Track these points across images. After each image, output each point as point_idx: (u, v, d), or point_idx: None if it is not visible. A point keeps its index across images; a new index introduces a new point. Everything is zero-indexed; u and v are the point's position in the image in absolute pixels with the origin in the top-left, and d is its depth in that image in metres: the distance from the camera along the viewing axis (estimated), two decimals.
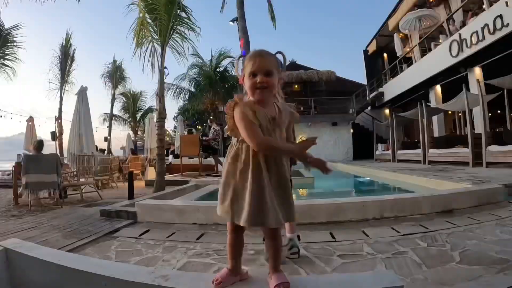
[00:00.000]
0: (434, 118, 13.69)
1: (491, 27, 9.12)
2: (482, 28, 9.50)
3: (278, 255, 1.44)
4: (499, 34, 8.94)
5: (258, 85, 1.35)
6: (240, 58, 1.47)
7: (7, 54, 12.97)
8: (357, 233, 2.99)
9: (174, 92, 19.09)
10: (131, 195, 5.31)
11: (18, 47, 13.09)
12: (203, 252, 2.57)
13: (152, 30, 6.90)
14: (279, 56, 1.43)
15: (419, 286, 1.83)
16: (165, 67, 6.86)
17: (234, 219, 1.35)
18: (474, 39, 9.96)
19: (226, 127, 1.42)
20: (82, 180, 6.71)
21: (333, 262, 2.27)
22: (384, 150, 15.55)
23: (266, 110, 1.38)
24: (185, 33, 7.18)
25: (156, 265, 2.29)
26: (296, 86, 21.20)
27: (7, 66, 13.08)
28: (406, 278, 1.90)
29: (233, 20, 11.08)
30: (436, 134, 13.59)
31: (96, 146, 11.14)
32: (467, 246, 2.44)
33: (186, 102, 20.51)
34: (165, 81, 7.19)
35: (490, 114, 9.01)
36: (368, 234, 2.91)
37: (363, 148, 18.05)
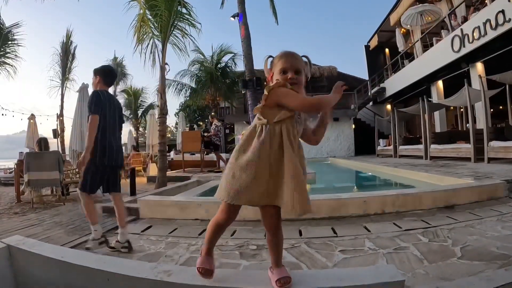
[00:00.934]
0: (436, 114, 13.64)
1: (493, 22, 9.03)
2: (484, 23, 9.40)
3: (279, 251, 1.45)
4: (501, 30, 8.85)
5: (289, 81, 1.42)
6: (269, 58, 1.54)
7: (8, 52, 12.93)
8: (358, 228, 3.01)
9: (176, 88, 19.02)
10: (133, 192, 5.33)
11: (19, 45, 13.05)
12: None
13: (152, 26, 6.88)
14: (305, 59, 1.52)
15: (420, 281, 1.84)
16: (166, 63, 6.85)
17: (272, 202, 1.36)
18: (476, 34, 9.87)
19: (260, 105, 1.44)
20: None
21: (335, 257, 2.29)
22: (385, 146, 15.52)
23: None
24: (185, 29, 7.17)
25: (158, 261, 2.31)
26: None
27: (8, 64, 13.04)
28: (407, 273, 1.91)
29: (233, 16, 11.03)
30: (437, 129, 13.56)
31: None
32: (468, 242, 2.45)
33: (187, 98, 20.45)
34: (166, 77, 7.18)
35: (492, 110, 8.97)
36: (370, 229, 2.92)
37: (364, 144, 18.03)
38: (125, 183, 8.74)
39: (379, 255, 2.29)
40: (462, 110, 13.23)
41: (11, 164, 10.49)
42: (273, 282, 1.35)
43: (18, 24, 12.78)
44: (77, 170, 6.64)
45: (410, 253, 2.29)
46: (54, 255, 1.60)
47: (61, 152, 10.85)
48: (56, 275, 1.58)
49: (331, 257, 2.29)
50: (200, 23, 7.20)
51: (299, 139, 1.48)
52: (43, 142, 5.83)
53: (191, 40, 7.31)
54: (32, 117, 10.60)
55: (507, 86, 9.37)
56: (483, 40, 9.61)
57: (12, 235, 2.86)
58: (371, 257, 2.26)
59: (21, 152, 7.64)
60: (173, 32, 6.97)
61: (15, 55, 13.05)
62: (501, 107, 13.22)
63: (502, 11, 8.65)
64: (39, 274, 1.66)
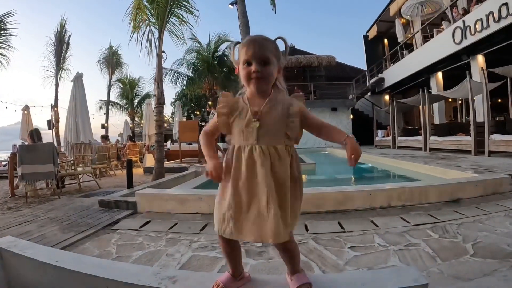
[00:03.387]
0: (435, 105, 13.60)
1: (496, 15, 8.94)
2: (487, 16, 9.31)
3: (293, 261, 1.33)
4: (504, 23, 8.77)
5: (253, 75, 1.19)
6: (236, 45, 1.29)
7: (0, 42, 12.59)
8: (366, 223, 2.92)
9: (173, 77, 18.76)
10: (130, 184, 5.20)
11: (12, 35, 12.70)
12: (208, 244, 2.48)
13: (149, 13, 6.66)
14: (280, 42, 1.25)
15: (436, 280, 1.76)
16: (163, 52, 6.67)
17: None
18: (478, 27, 9.77)
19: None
20: (79, 169, 6.57)
21: (345, 255, 2.20)
22: (384, 136, 15.48)
23: (256, 102, 1.23)
24: (183, 16, 6.96)
25: (159, 260, 2.19)
26: (295, 70, 20.98)
27: (0, 54, 12.71)
28: (422, 272, 1.82)
29: (232, 3, 10.78)
30: (436, 121, 13.52)
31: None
32: (478, 238, 2.38)
33: (184, 87, 20.21)
34: (163, 66, 7.00)
35: (490, 103, 8.92)
36: (378, 224, 2.84)
37: (362, 134, 17.95)
38: (121, 174, 8.66)
39: (390, 252, 2.20)
40: (460, 102, 13.17)
41: (5, 156, 10.29)
42: None
43: (10, 13, 12.43)
44: (72, 161, 6.50)
45: (422, 250, 2.21)
46: (47, 259, 1.48)
47: (56, 143, 10.66)
48: (51, 281, 1.46)
49: (341, 255, 2.19)
50: (198, 10, 7.00)
51: None
52: (35, 134, 5.65)
53: (189, 27, 7.11)
54: (26, 108, 10.38)
55: (508, 79, 9.28)
56: (485, 33, 9.53)
57: (6, 232, 2.73)
58: (382, 255, 2.17)
59: (14, 145, 7.48)
60: (170, 19, 6.77)
61: (8, 45, 12.72)
62: (499, 100, 13.20)
63: (506, 4, 8.57)
64: (33, 279, 1.54)
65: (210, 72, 17.72)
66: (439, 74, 13.56)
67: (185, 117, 17.55)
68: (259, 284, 1.33)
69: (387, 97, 19.16)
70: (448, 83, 11.69)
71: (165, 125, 22.26)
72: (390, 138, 14.12)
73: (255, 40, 1.22)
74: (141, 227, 3.02)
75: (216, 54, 18.41)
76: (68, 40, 15.19)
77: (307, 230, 2.76)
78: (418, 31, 14.82)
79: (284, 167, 1.18)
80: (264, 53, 1.18)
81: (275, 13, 14.64)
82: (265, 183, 1.14)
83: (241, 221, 1.17)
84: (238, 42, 1.28)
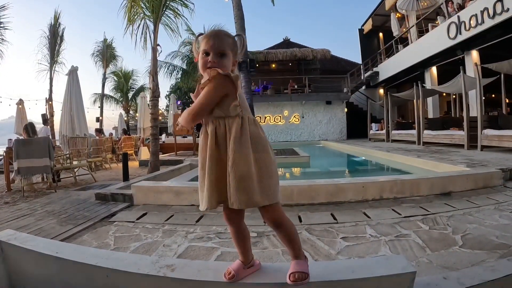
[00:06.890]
0: (429, 100, 13.67)
1: (491, 11, 8.96)
2: (482, 12, 9.34)
3: (290, 243, 1.34)
4: (498, 19, 8.80)
5: (209, 64, 1.27)
6: (199, 36, 1.36)
7: None
8: (358, 214, 2.99)
9: (167, 69, 18.61)
10: (126, 177, 5.22)
11: (6, 29, 12.51)
12: (204, 235, 2.52)
13: (144, 6, 6.61)
14: (239, 39, 1.36)
15: (425, 269, 1.82)
16: (158, 45, 6.63)
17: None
18: (473, 22, 9.80)
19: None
20: (75, 162, 6.56)
21: (337, 245, 2.26)
22: (378, 130, 15.55)
23: None
24: (178, 9, 6.92)
25: (156, 251, 2.24)
26: (290, 63, 20.95)
27: None
28: (411, 262, 1.89)
29: None
30: (430, 115, 13.61)
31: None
32: (468, 230, 2.45)
33: (179, 80, 20.08)
34: (158, 58, 6.96)
35: (484, 98, 9.00)
36: (370, 216, 2.91)
37: (357, 127, 18.07)
38: (116, 168, 8.65)
39: (381, 242, 2.27)
40: (454, 97, 13.26)
41: (1, 150, 10.19)
42: (286, 276, 1.28)
43: (4, 6, 12.24)
44: (67, 155, 6.49)
45: (412, 240, 2.28)
46: (48, 250, 1.50)
47: (51, 137, 10.57)
48: (52, 272, 1.49)
49: (334, 245, 2.25)
50: (193, 3, 6.95)
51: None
52: (30, 128, 5.62)
53: (184, 21, 7.07)
54: (21, 102, 10.27)
55: (502, 75, 9.36)
56: (480, 28, 9.56)
57: (4, 227, 2.75)
58: (373, 245, 2.24)
59: (10, 139, 7.41)
60: (165, 12, 6.72)
61: (2, 39, 12.54)
62: (493, 95, 13.33)
63: (501, 0, 8.57)
64: (34, 271, 1.56)
65: None
66: (434, 69, 13.62)
67: (179, 110, 17.43)
68: (269, 271, 1.38)
69: (381, 91, 19.21)
70: (443, 78, 11.75)
71: (160, 118, 22.19)
72: (384, 131, 14.20)
73: (216, 33, 1.32)
74: (137, 219, 3.06)
75: None
76: (62, 33, 14.99)
77: (300, 221, 2.82)
78: (413, 26, 14.82)
79: None
80: (222, 46, 1.28)
81: (274, 5, 14.55)
82: None
83: None
84: (201, 34, 1.35)
